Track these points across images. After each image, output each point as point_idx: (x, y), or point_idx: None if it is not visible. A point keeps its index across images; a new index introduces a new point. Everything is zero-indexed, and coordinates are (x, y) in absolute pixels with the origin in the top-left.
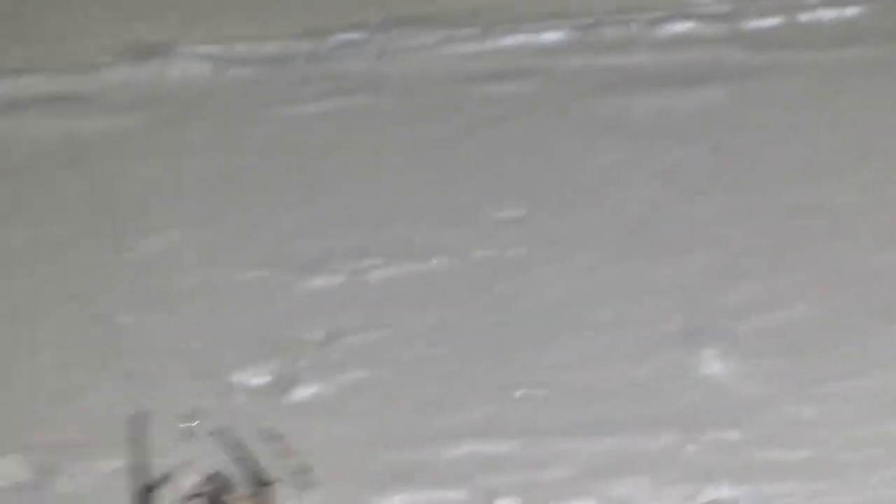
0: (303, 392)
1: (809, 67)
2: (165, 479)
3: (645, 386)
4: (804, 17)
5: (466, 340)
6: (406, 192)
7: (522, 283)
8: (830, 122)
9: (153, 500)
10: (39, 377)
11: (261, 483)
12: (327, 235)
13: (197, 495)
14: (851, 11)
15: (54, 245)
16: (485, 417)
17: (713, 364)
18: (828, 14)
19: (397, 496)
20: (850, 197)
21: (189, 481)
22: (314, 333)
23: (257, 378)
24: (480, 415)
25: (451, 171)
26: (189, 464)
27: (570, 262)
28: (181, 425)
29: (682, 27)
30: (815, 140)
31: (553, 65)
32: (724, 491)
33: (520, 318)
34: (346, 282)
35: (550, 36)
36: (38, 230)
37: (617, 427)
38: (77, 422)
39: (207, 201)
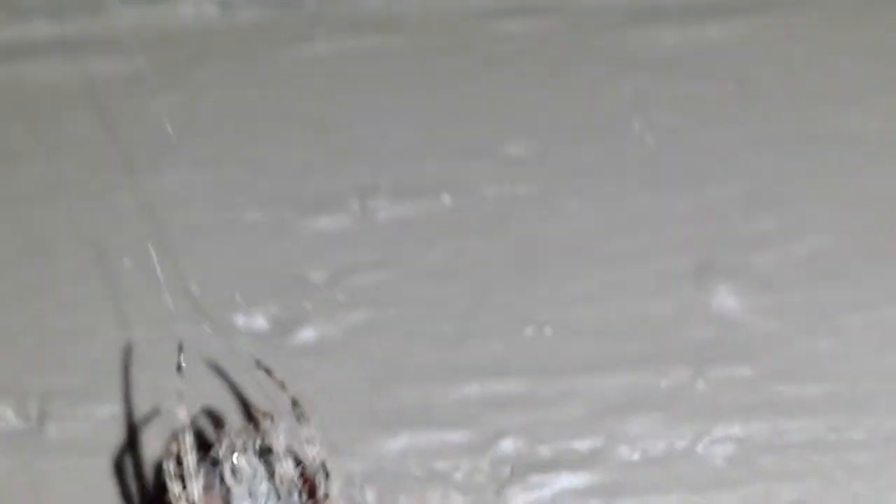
0: (307, 333)
1: None
2: (156, 413)
3: (656, 322)
4: None
5: (474, 279)
6: (417, 129)
7: (533, 221)
8: (853, 52)
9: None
10: (37, 320)
11: (256, 416)
12: (335, 174)
13: (192, 432)
14: None
15: (62, 185)
16: (492, 356)
17: (727, 299)
18: None
19: (402, 437)
20: (872, 126)
21: (183, 417)
22: (319, 273)
23: (261, 319)
24: (488, 354)
25: (463, 108)
26: (183, 401)
27: (584, 197)
28: (181, 365)
29: None
30: (838, 70)
31: (571, 0)
32: (737, 428)
33: (529, 255)
34: (353, 221)
35: None
36: (46, 170)
37: (627, 364)
38: (73, 366)
39: (215, 141)
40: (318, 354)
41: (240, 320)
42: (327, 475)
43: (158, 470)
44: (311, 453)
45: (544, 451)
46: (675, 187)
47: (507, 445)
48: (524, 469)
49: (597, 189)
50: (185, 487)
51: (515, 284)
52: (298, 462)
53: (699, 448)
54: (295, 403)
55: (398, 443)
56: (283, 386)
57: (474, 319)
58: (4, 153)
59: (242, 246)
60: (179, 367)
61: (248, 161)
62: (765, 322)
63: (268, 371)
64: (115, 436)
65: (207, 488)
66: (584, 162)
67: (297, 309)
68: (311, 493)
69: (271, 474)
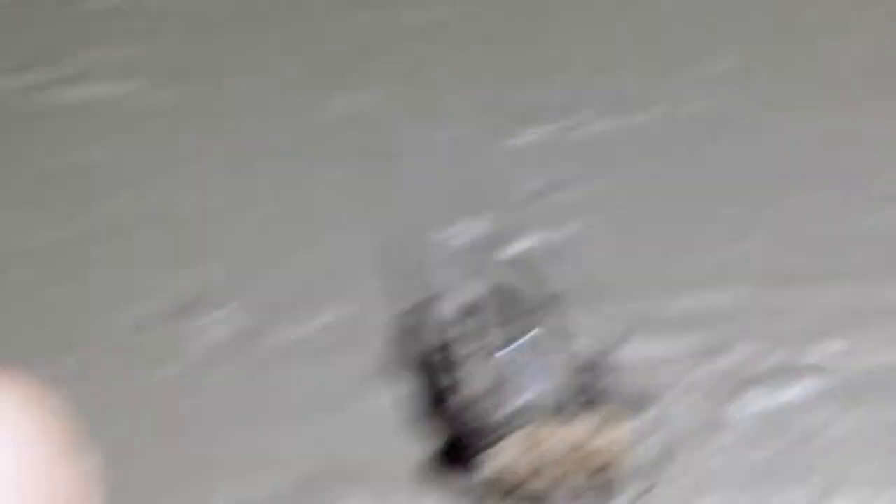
0: (517, 247)
1: None
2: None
3: (879, 236)
4: None
5: (687, 193)
6: (618, 44)
7: (742, 137)
8: None
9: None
10: (256, 229)
11: (527, 307)
12: (537, 89)
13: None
14: None
15: (259, 100)
16: (717, 265)
17: None
18: None
19: (628, 346)
20: None
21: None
22: (526, 188)
23: (474, 232)
24: (711, 263)
25: (668, 23)
26: (456, 291)
27: (791, 115)
28: (450, 256)
29: None
30: None
31: None
32: None
33: (739, 171)
34: (557, 136)
35: None
36: (241, 86)
37: (855, 274)
38: (296, 273)
39: (413, 56)
40: (530, 265)
41: (453, 231)
42: (607, 358)
43: (431, 360)
44: (584, 343)
45: (773, 359)
46: (888, 102)
47: (737, 354)
48: (753, 378)
49: (805, 108)
50: (458, 377)
51: (735, 198)
52: (572, 352)
53: None
54: (556, 298)
55: (625, 352)
56: (541, 282)
57: (694, 231)
58: (209, 69)
59: (450, 161)
60: (449, 258)
61: (447, 76)
62: None
63: (528, 265)
64: (340, 341)
65: (480, 379)
66: (791, 78)
67: (508, 221)
68: (590, 377)
69: (551, 361)
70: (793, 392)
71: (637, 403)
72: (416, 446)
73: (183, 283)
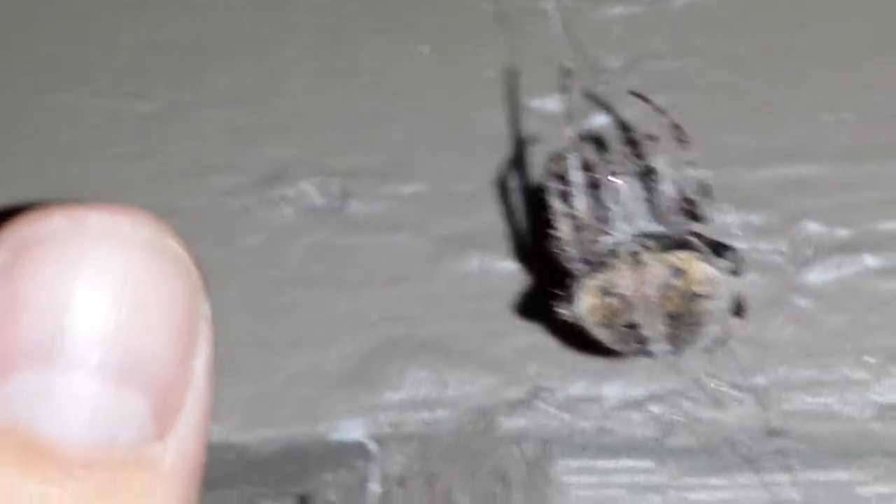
0: (601, 119)
1: None
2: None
3: None
4: None
5: (775, 68)
6: None
7: (835, 9)
8: None
9: None
10: (339, 104)
11: (637, 138)
12: None
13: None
14: None
15: None
16: (790, 141)
17: None
18: None
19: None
20: None
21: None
22: (615, 59)
23: (552, 104)
24: (786, 138)
25: None
26: (570, 121)
27: None
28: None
29: None
30: None
31: None
32: None
33: (831, 45)
34: (647, 8)
35: None
36: None
37: None
38: (376, 147)
39: None
40: (618, 131)
41: (536, 104)
42: (710, 197)
43: (541, 189)
44: (693, 174)
45: (845, 232)
46: None
47: (809, 227)
48: (825, 250)
49: None
50: (569, 204)
51: (814, 72)
52: (678, 184)
53: None
54: (676, 127)
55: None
56: (661, 111)
57: (773, 105)
58: None
59: (534, 32)
60: (565, 89)
61: None
62: None
63: (644, 98)
64: (417, 212)
65: (589, 207)
66: None
67: (592, 93)
68: (692, 215)
69: (652, 196)
70: (863, 264)
71: (725, 254)
72: (490, 321)
73: (268, 154)
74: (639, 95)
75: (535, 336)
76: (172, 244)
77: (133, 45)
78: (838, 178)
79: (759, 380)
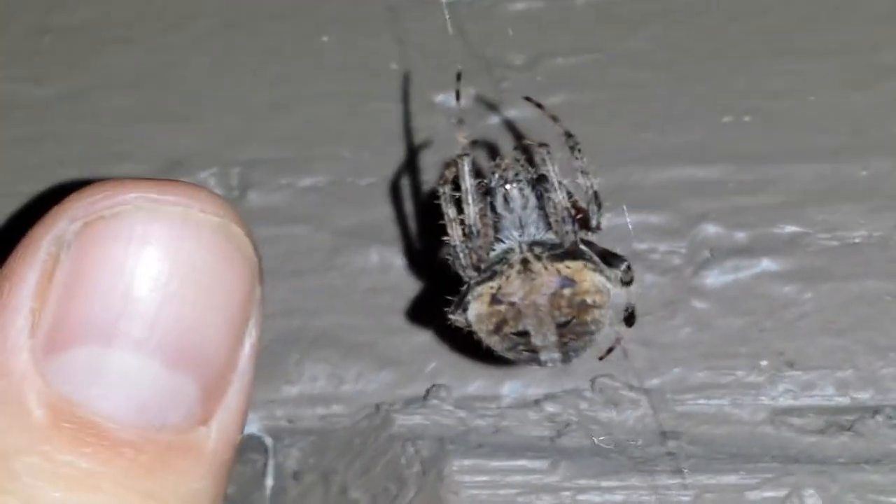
0: (507, 113)
1: None
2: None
3: (856, 114)
4: None
5: (675, 65)
6: None
7: (735, 8)
8: None
9: None
10: (240, 94)
11: (529, 147)
12: None
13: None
14: None
15: None
16: (692, 142)
17: None
18: None
19: (602, 218)
20: None
21: (462, 141)
22: (518, 56)
23: (462, 100)
24: (686, 139)
25: None
26: (462, 127)
27: None
28: (458, 93)
29: None
30: None
31: None
32: None
33: (732, 43)
34: (552, 4)
35: None
36: None
37: (826, 154)
38: (275, 138)
39: None
40: (515, 135)
41: (439, 99)
42: (599, 206)
43: (434, 195)
44: (585, 183)
45: (743, 235)
46: None
47: (707, 229)
48: (723, 252)
49: None
50: (460, 211)
51: (719, 72)
52: (570, 193)
53: None
54: (568, 135)
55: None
56: (555, 118)
57: (675, 105)
58: None
59: (442, 26)
60: (458, 95)
61: None
62: None
63: (539, 105)
64: (316, 205)
65: (480, 216)
66: None
67: (495, 90)
68: (583, 223)
69: (543, 203)
70: (760, 267)
71: (615, 262)
72: (388, 316)
73: (167, 143)
74: (532, 101)
75: (434, 333)
76: (237, 230)
77: (26, 29)
78: (738, 181)
79: (654, 381)
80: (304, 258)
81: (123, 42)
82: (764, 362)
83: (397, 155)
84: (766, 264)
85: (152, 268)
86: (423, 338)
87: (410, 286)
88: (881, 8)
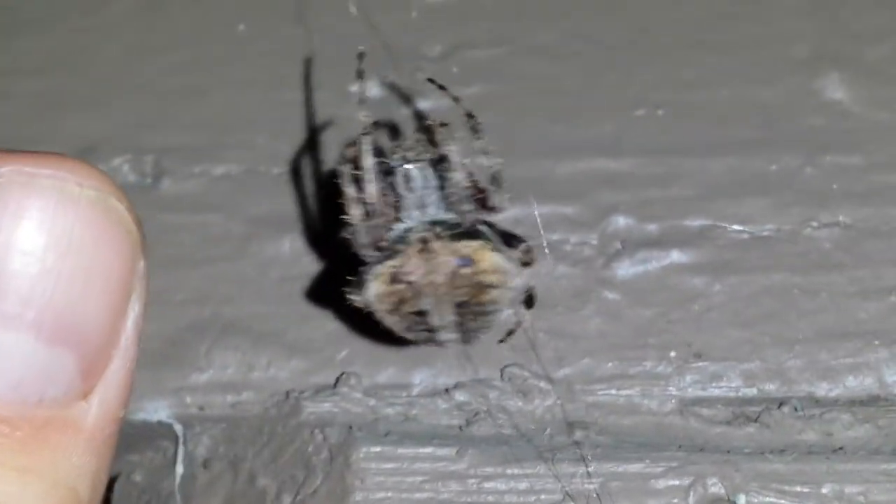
0: (422, 104)
1: None
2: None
3: (768, 108)
4: None
5: (588, 58)
6: None
7: (648, 4)
8: None
9: None
10: (155, 80)
11: (430, 127)
12: None
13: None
14: None
15: None
16: (603, 134)
17: (838, 89)
18: None
19: (513, 210)
20: None
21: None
22: (433, 48)
23: (376, 89)
24: (598, 131)
25: None
26: (363, 106)
27: None
28: (361, 71)
29: None
30: None
31: None
32: (844, 213)
33: (645, 37)
34: None
35: None
36: None
37: (737, 148)
38: (189, 125)
39: None
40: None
41: (354, 89)
42: (500, 186)
43: (334, 173)
44: (486, 164)
45: (653, 227)
46: None
47: (618, 221)
48: (633, 244)
49: None
50: (360, 190)
51: (630, 66)
52: (471, 173)
53: (806, 231)
54: (470, 116)
55: (509, 213)
56: (456, 99)
57: (587, 98)
58: None
59: (358, 16)
60: (360, 74)
61: None
62: (875, 113)
63: (441, 87)
64: (230, 193)
65: (380, 195)
66: None
67: (410, 80)
68: (484, 203)
69: (443, 183)
70: (670, 259)
71: (515, 244)
72: (300, 304)
73: (80, 129)
74: (434, 83)
75: (345, 321)
76: (116, 204)
77: None
78: (649, 173)
79: (564, 371)
80: (216, 246)
81: (36, 26)
82: (672, 353)
83: (311, 144)
84: (676, 256)
85: (27, 242)
86: (335, 326)
87: (324, 273)
88: (794, 3)
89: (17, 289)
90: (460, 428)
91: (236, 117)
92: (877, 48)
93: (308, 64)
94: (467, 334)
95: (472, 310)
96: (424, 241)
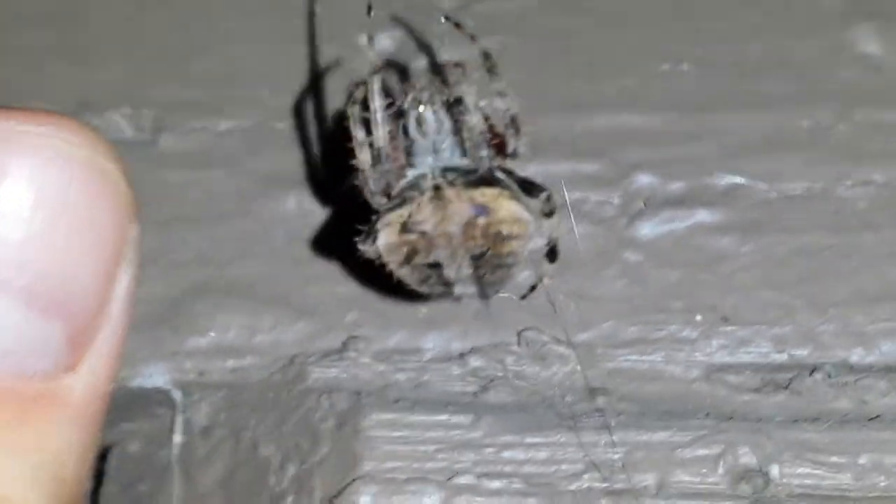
0: (436, 57)
1: None
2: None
3: (800, 62)
4: None
5: (610, 11)
6: None
7: None
8: None
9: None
10: (155, 35)
11: (445, 67)
12: None
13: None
14: None
15: None
16: (626, 89)
17: (872, 41)
18: None
19: (532, 166)
20: None
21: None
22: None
23: (386, 41)
24: (621, 87)
25: None
26: (372, 45)
27: None
28: (370, 7)
29: None
30: None
31: None
32: (879, 172)
33: None
34: None
35: None
36: None
37: (767, 103)
38: (190, 80)
39: None
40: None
41: (364, 41)
42: (517, 131)
43: (342, 116)
44: (502, 107)
45: (678, 186)
46: None
47: (641, 179)
48: (657, 203)
49: None
50: (369, 133)
51: (653, 20)
52: (487, 116)
53: (839, 190)
54: (486, 56)
55: (530, 171)
56: (473, 38)
57: (609, 52)
58: None
59: None
60: (369, 10)
61: None
62: None
63: (457, 24)
64: (233, 149)
65: (391, 139)
66: None
67: (426, 34)
68: (501, 149)
69: (458, 127)
70: (695, 219)
71: (535, 192)
72: (307, 265)
73: (78, 82)
74: (451, 20)
75: (354, 282)
76: (108, 165)
77: None
78: (673, 130)
79: (585, 335)
80: (218, 204)
81: None
82: (698, 317)
83: (318, 99)
84: (702, 216)
85: (13, 204)
86: (343, 287)
87: (333, 233)
88: None
89: (6, 254)
90: (475, 395)
91: (239, 71)
92: None
93: (314, 17)
94: (485, 288)
95: (489, 262)
96: (437, 188)
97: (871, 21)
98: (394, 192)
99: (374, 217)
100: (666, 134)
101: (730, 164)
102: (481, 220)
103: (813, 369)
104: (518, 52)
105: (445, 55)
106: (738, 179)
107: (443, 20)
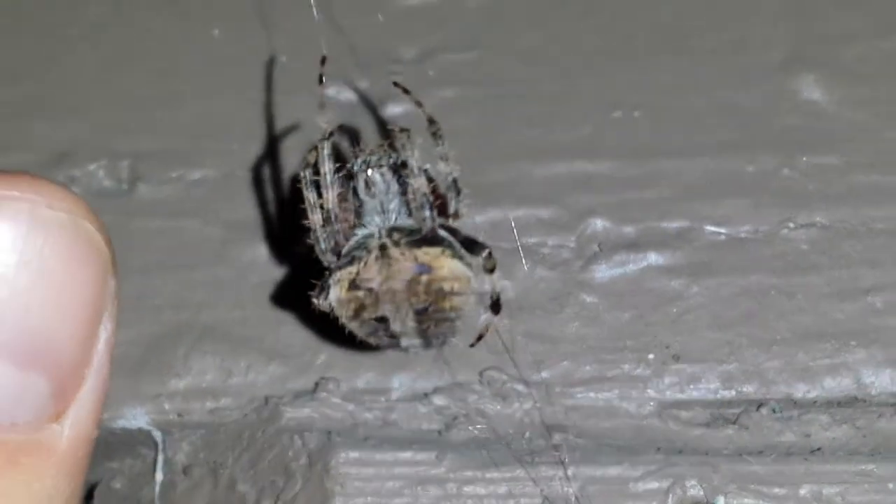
0: (396, 109)
1: None
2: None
3: (745, 110)
4: None
5: (565, 61)
6: None
7: (625, 6)
8: None
9: None
10: (131, 86)
11: (392, 132)
12: None
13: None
14: None
15: None
16: (580, 137)
17: (814, 90)
18: None
19: (491, 212)
20: None
21: (323, 125)
22: (409, 50)
23: (350, 93)
24: (575, 134)
25: None
26: (324, 111)
27: None
28: (322, 77)
29: None
30: None
31: None
32: (822, 214)
33: (621, 40)
34: (445, 1)
35: None
36: None
37: (714, 149)
38: (164, 130)
39: None
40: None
41: (330, 93)
42: (458, 192)
43: (295, 180)
44: (445, 170)
45: (631, 230)
46: None
47: (595, 223)
48: (611, 246)
49: None
50: (320, 195)
51: (607, 69)
52: (431, 179)
53: (784, 232)
54: (431, 121)
55: (486, 216)
56: (419, 104)
57: (563, 101)
58: None
59: (331, 19)
60: (321, 80)
61: None
62: (851, 113)
63: (405, 90)
64: (206, 198)
65: (341, 201)
66: None
67: (385, 84)
68: (442, 209)
69: (404, 189)
70: (647, 262)
71: (477, 250)
72: (278, 309)
73: (57, 134)
74: (399, 86)
75: (323, 326)
76: (86, 225)
77: None
78: (626, 176)
79: (543, 374)
80: (193, 251)
81: (9, 32)
82: (650, 356)
83: (287, 149)
84: (654, 258)
85: None
86: (313, 331)
87: (299, 280)
88: (770, 7)
89: None
90: (439, 432)
91: (212, 122)
92: (850, 48)
93: (281, 69)
94: (429, 340)
95: (432, 316)
96: (384, 247)
97: (811, 71)
98: (343, 251)
99: (326, 273)
100: (619, 179)
101: (679, 208)
102: (424, 278)
103: (759, 404)
104: (476, 100)
105: (402, 109)
106: (688, 223)
107: (393, 85)
